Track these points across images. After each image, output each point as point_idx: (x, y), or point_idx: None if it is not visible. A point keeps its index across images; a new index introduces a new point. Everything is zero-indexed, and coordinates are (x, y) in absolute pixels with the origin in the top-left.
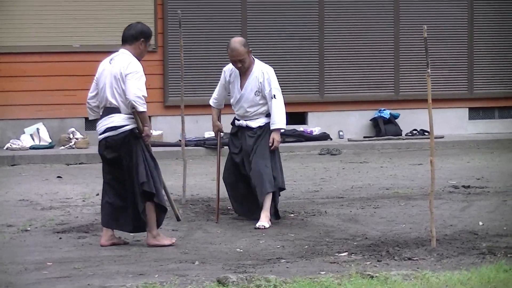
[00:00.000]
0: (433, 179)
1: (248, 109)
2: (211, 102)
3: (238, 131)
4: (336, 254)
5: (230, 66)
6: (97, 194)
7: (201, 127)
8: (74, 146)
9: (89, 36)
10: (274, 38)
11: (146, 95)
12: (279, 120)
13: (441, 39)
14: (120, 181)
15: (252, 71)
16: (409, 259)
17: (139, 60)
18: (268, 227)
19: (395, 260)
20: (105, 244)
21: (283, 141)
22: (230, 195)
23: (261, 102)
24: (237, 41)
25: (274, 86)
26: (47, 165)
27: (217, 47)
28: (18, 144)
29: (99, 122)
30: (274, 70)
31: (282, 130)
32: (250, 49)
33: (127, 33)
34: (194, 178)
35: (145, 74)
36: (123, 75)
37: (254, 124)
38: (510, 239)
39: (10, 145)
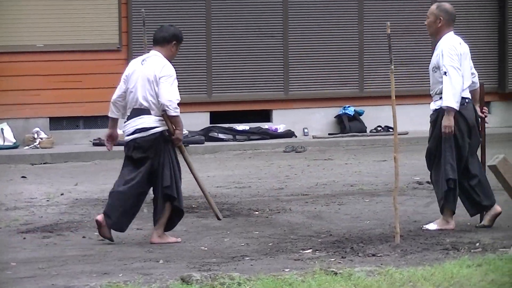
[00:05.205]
0: (397, 176)
1: (431, 87)
2: None
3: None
4: (301, 251)
5: None
6: (62, 194)
7: None
8: (38, 146)
9: (52, 35)
10: (239, 35)
11: (179, 99)
12: (446, 97)
13: (405, 35)
14: (137, 177)
15: (438, 46)
16: (373, 255)
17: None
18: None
19: (359, 256)
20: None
21: (248, 139)
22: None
23: (440, 79)
24: (441, 3)
25: (445, 63)
26: (12, 165)
27: (182, 45)
28: None
29: (127, 123)
30: (239, 68)
31: (453, 111)
32: (445, 21)
33: (159, 35)
34: None
35: (108, 73)
36: (157, 77)
37: (432, 105)
38: (474, 235)
39: None
